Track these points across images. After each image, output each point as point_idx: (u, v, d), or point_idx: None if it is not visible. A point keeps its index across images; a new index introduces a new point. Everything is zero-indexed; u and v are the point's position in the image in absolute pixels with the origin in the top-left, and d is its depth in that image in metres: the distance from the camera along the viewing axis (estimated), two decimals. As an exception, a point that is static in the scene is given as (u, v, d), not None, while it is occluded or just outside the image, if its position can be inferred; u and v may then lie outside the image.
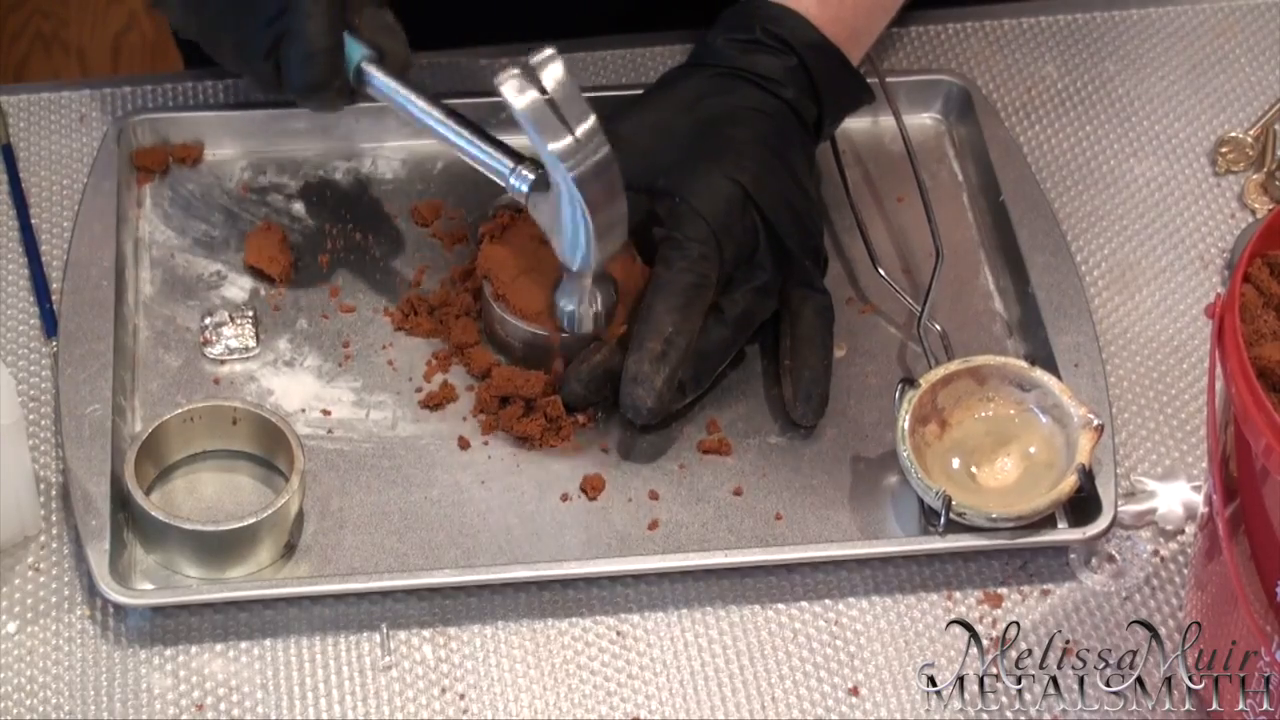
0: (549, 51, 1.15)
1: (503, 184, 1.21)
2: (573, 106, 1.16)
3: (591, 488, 1.23)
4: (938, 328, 1.28)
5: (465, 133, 1.22)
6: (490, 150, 1.21)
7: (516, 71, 1.15)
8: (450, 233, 1.34)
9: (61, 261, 1.31)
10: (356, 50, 1.22)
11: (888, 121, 1.40)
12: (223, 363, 1.27)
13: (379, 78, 1.23)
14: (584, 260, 1.20)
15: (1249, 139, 1.41)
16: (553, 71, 1.15)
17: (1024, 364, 1.24)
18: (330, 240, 1.34)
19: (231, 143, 1.38)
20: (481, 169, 1.22)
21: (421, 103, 1.22)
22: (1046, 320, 1.28)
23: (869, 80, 1.36)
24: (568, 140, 1.15)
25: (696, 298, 1.22)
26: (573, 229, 1.19)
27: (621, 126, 1.26)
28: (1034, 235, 1.33)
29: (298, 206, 1.36)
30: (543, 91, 1.15)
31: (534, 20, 1.40)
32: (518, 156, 1.20)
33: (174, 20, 1.27)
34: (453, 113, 1.22)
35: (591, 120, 1.16)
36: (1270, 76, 1.46)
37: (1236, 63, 1.47)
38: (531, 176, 1.19)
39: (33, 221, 1.34)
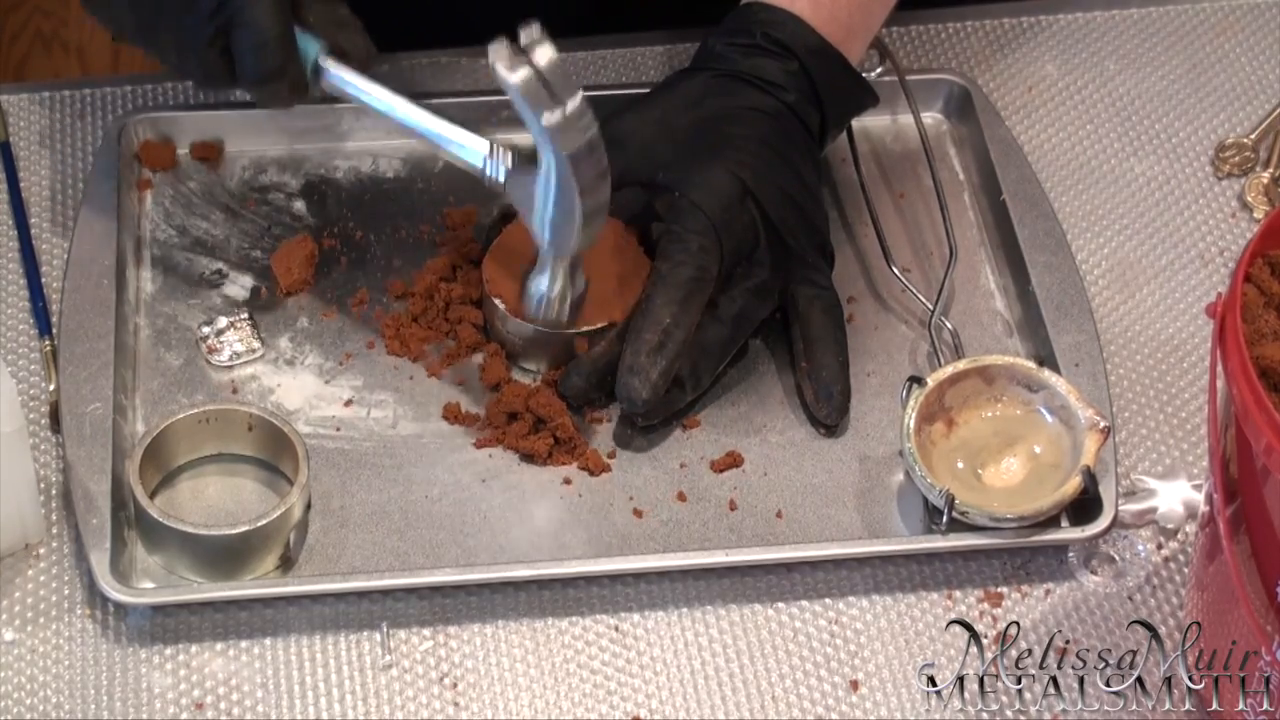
0: (538, 30, 1.14)
1: (476, 174, 1.20)
2: (562, 84, 1.15)
3: (595, 466, 1.23)
4: (949, 325, 1.28)
5: (434, 122, 1.20)
6: (462, 138, 1.20)
7: (507, 48, 1.14)
8: (454, 233, 1.34)
9: (62, 261, 1.31)
10: (313, 46, 1.21)
11: (890, 120, 1.40)
12: (231, 368, 1.27)
13: (335, 71, 1.21)
14: (564, 243, 1.20)
15: (1249, 140, 1.41)
16: (543, 50, 1.14)
17: (1032, 365, 1.24)
18: (331, 239, 1.34)
19: (233, 141, 1.38)
20: (453, 160, 1.21)
21: (383, 95, 1.21)
22: (1047, 319, 1.28)
23: (888, 79, 1.36)
24: (559, 116, 1.15)
25: (696, 291, 1.22)
26: (554, 210, 1.18)
27: (623, 123, 1.27)
28: (1034, 234, 1.33)
29: (298, 205, 1.36)
30: (533, 68, 1.14)
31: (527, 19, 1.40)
32: (490, 144, 1.19)
33: (104, 20, 1.23)
34: (418, 104, 1.21)
35: (580, 98, 1.15)
36: (1270, 76, 1.46)
37: (1236, 63, 1.47)
38: (507, 164, 1.19)
39: (32, 221, 1.34)
